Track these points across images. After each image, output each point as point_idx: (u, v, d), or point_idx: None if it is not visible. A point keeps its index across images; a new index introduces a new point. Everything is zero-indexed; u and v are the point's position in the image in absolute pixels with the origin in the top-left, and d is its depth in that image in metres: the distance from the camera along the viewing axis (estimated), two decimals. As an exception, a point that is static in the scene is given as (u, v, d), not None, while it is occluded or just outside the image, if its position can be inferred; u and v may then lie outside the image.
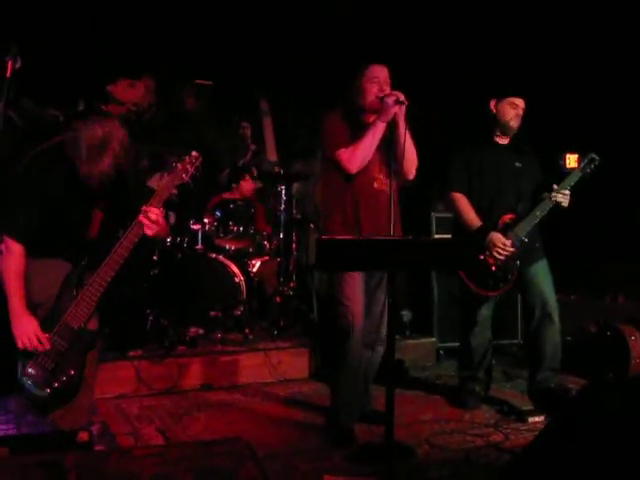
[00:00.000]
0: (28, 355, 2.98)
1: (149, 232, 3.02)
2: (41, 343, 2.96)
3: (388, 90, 3.72)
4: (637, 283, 5.79)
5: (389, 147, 3.74)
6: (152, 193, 3.14)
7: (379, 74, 3.77)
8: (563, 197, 4.11)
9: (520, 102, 4.21)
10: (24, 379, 2.99)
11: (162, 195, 3.08)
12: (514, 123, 4.20)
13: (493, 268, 4.14)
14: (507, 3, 6.29)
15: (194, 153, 3.14)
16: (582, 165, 4.18)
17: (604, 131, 6.65)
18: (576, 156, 6.98)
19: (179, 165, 3.11)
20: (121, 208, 3.22)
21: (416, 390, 4.75)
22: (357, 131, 3.74)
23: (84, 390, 3.12)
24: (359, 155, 3.68)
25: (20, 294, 3.00)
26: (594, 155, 4.17)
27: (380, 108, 3.68)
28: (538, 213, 4.13)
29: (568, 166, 6.92)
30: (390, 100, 3.62)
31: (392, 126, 3.69)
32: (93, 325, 3.07)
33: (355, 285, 3.72)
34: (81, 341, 3.01)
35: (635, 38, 6.12)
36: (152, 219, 3.00)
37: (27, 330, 2.95)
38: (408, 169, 3.79)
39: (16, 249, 3.01)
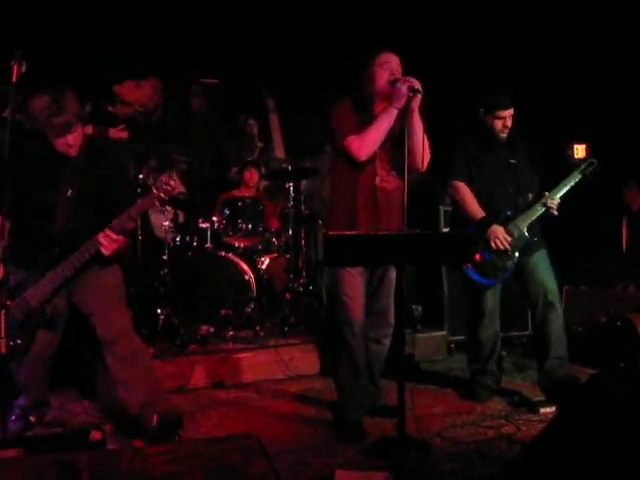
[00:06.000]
0: None
1: (105, 252, 3.24)
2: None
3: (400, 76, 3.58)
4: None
5: (397, 141, 3.61)
6: (131, 197, 3.43)
7: (391, 60, 3.64)
8: (552, 204, 4.17)
9: (506, 113, 4.16)
10: None
11: (123, 221, 3.25)
12: (503, 134, 4.22)
13: (492, 257, 4.20)
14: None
15: (163, 178, 3.26)
16: (582, 167, 4.26)
17: (611, 122, 6.63)
18: (584, 146, 6.97)
19: (154, 190, 3.24)
20: (102, 200, 3.42)
21: (427, 384, 4.75)
22: (367, 121, 3.61)
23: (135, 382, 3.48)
24: (369, 141, 3.58)
25: None
26: (594, 159, 4.27)
27: (391, 93, 3.54)
28: (539, 207, 4.19)
29: (576, 156, 6.92)
30: (403, 86, 3.47)
31: (403, 118, 3.51)
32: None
33: (354, 282, 3.70)
34: (32, 319, 3.30)
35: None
36: (106, 244, 3.21)
37: None
38: (420, 161, 3.59)
39: None
